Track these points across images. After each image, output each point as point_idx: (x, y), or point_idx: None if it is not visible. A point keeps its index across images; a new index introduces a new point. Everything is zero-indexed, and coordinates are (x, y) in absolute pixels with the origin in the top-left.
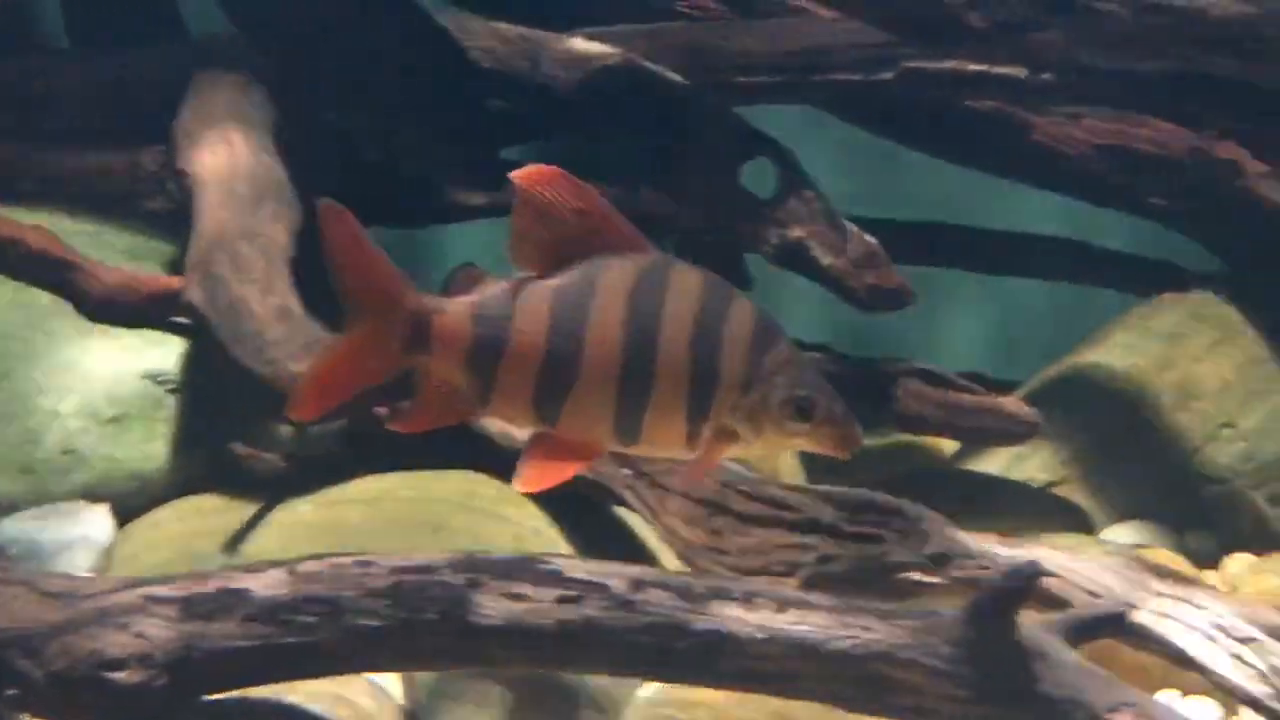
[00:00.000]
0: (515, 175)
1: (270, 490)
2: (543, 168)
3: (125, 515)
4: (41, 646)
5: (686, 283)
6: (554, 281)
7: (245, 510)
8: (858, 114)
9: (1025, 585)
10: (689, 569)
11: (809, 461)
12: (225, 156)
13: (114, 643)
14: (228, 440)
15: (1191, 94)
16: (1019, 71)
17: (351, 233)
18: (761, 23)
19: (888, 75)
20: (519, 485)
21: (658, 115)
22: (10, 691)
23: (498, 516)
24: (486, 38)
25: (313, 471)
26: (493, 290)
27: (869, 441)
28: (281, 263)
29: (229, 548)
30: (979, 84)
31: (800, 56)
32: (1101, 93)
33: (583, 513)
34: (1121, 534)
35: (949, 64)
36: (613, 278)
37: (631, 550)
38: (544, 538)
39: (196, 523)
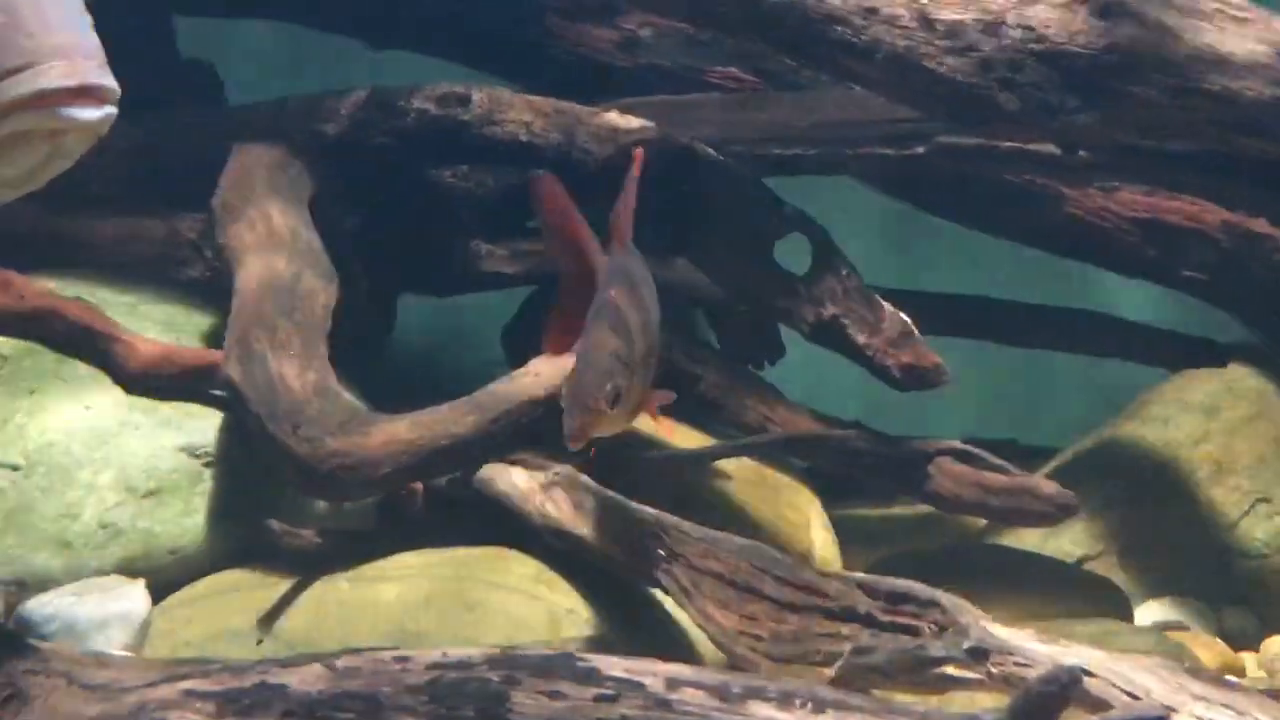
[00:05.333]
0: None
1: (305, 565)
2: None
3: (161, 590)
4: None
5: None
6: None
7: (280, 586)
8: (891, 186)
9: (1065, 691)
10: (723, 654)
11: (842, 536)
12: (264, 231)
13: None
14: (264, 515)
15: (1220, 172)
16: (1053, 149)
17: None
18: (795, 95)
19: (921, 150)
20: None
21: (691, 189)
22: None
23: (532, 596)
24: (521, 110)
25: (347, 547)
26: None
27: (899, 512)
28: (318, 338)
29: (264, 624)
30: (1012, 160)
31: (834, 129)
32: (1135, 169)
33: (617, 592)
34: (1156, 611)
35: (982, 140)
36: None
37: (664, 632)
38: (578, 617)
39: (232, 599)
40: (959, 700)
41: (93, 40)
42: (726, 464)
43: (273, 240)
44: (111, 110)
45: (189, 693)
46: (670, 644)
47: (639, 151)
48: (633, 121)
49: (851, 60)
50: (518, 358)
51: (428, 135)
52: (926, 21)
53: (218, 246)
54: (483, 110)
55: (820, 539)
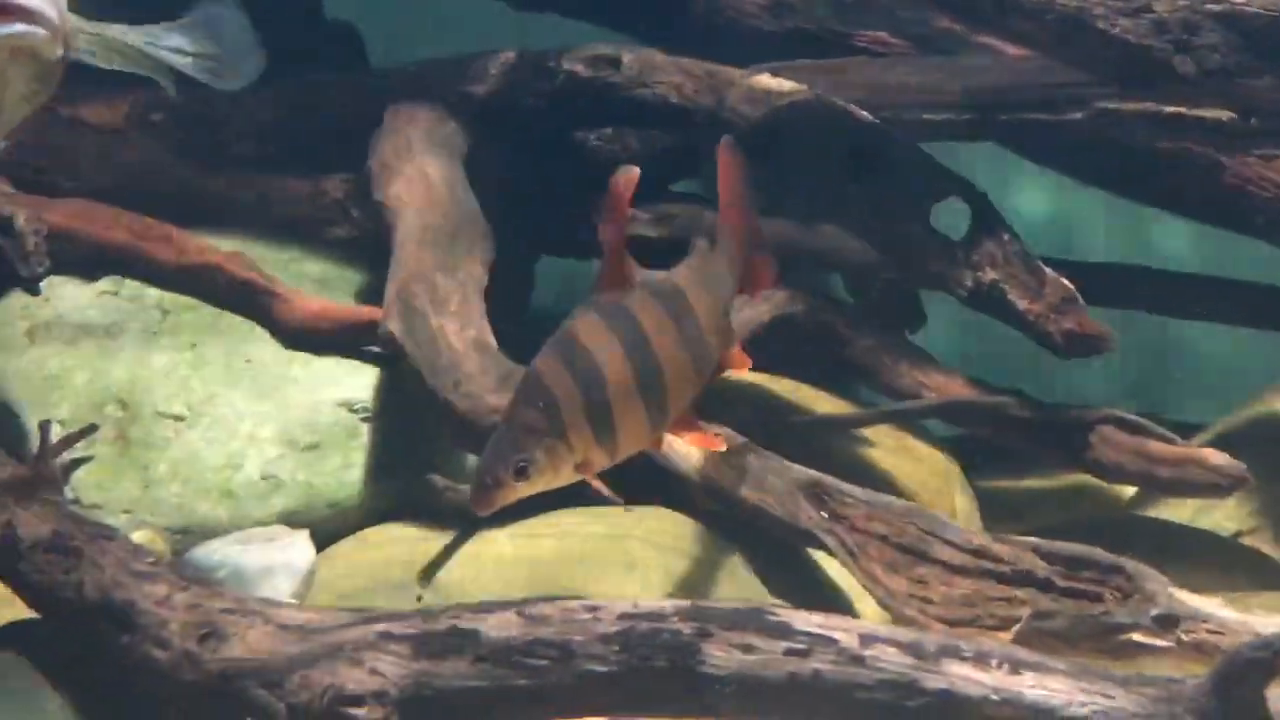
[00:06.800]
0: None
1: (460, 520)
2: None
3: (320, 542)
4: (280, 679)
5: None
6: None
7: (438, 539)
8: (1043, 153)
9: (1277, 658)
10: (891, 617)
11: (983, 506)
12: (422, 189)
13: (351, 678)
14: (420, 470)
15: None
16: (1222, 115)
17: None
18: (945, 59)
19: (1078, 115)
20: None
21: (847, 153)
22: None
23: (690, 556)
24: (672, 73)
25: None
26: None
27: (1043, 484)
28: (476, 295)
29: (424, 577)
30: (1176, 126)
31: (986, 94)
32: None
33: (776, 553)
34: None
35: (1144, 105)
36: None
37: (824, 594)
38: (737, 577)
39: (391, 551)
40: (1138, 669)
41: None
42: (867, 430)
43: (430, 198)
44: (32, 30)
45: (384, 634)
46: (831, 606)
47: (633, 172)
48: (785, 84)
49: (1019, 20)
50: None
51: (577, 97)
52: None
53: (376, 204)
54: (633, 72)
55: (963, 507)
